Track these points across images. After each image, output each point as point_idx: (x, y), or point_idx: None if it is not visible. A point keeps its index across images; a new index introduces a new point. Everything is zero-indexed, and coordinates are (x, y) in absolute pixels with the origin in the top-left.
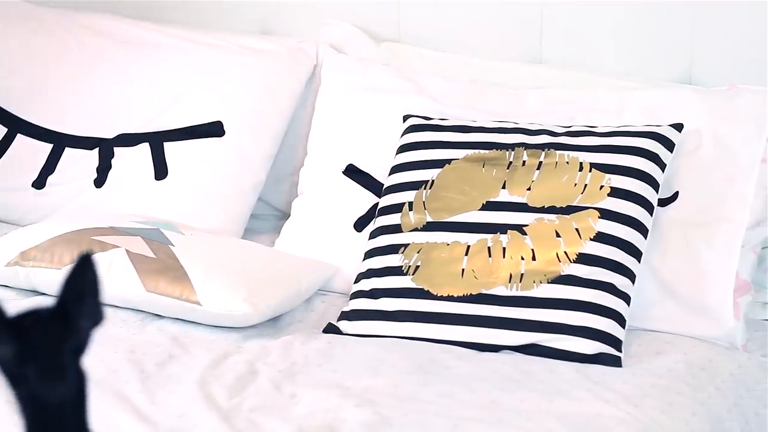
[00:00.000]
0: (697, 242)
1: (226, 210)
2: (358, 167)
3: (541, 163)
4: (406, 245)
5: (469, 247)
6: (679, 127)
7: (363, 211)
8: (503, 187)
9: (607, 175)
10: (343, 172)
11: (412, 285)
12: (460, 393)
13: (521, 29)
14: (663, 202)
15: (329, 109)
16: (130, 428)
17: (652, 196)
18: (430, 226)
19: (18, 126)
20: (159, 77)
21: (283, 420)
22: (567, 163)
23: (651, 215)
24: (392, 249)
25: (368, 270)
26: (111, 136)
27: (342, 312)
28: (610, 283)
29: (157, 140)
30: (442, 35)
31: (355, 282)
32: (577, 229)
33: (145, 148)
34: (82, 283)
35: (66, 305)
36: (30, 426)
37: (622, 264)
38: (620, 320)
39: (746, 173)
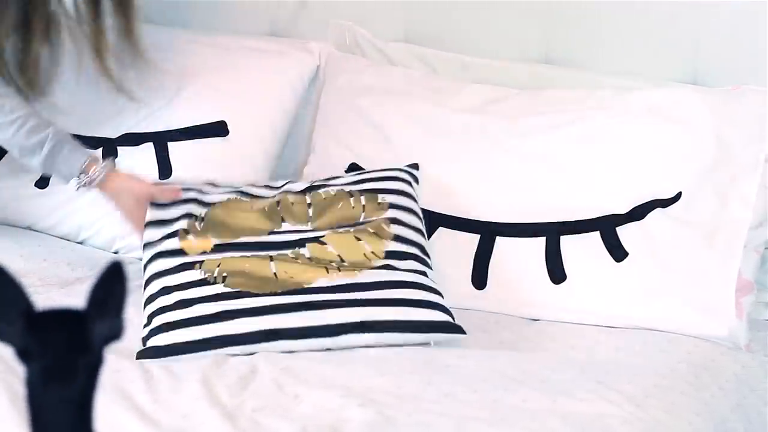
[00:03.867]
0: (699, 242)
1: None
2: (362, 167)
3: (309, 203)
4: (200, 262)
5: (271, 257)
6: (415, 166)
7: None
8: (283, 221)
9: (379, 195)
10: (345, 171)
11: (229, 289)
12: (463, 393)
13: (526, 30)
14: (666, 203)
15: (333, 109)
16: (134, 428)
17: (419, 212)
18: (220, 248)
19: None
20: (162, 77)
21: (286, 420)
22: (334, 194)
23: (423, 224)
24: (184, 267)
25: (162, 288)
26: (115, 136)
27: (150, 330)
28: (422, 271)
29: (161, 140)
30: (447, 36)
31: (146, 305)
32: (375, 233)
33: (149, 147)
34: (106, 293)
35: (87, 314)
36: (32, 414)
37: (423, 259)
38: (441, 295)
39: (749, 173)
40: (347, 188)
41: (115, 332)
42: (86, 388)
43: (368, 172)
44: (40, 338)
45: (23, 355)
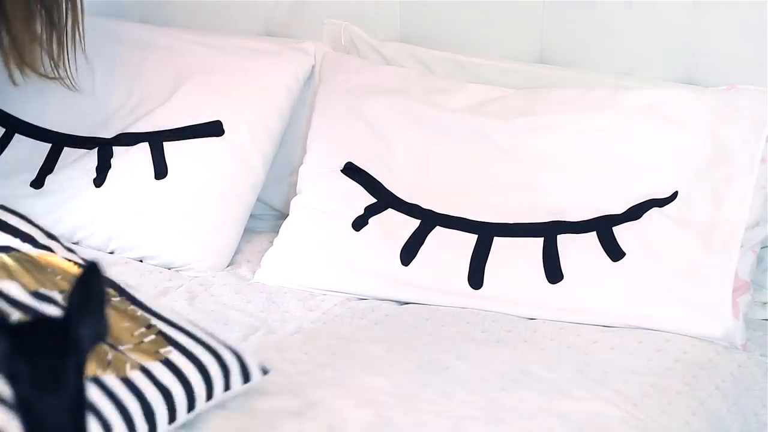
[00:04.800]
0: (696, 242)
1: (226, 210)
2: (358, 166)
3: None
4: None
5: None
6: None
7: (361, 211)
8: None
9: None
10: (341, 170)
11: None
12: (461, 393)
13: (521, 28)
14: (662, 202)
15: (328, 108)
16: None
17: None
18: None
19: (16, 126)
20: (157, 77)
21: (283, 420)
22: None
23: None
24: None
25: None
26: (110, 136)
27: None
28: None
29: (156, 140)
30: (442, 35)
31: None
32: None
33: (144, 147)
34: (87, 294)
35: (69, 317)
36: (26, 427)
37: None
38: None
39: (745, 173)
40: None
41: (101, 333)
42: (78, 394)
43: None
44: (23, 347)
45: (9, 365)
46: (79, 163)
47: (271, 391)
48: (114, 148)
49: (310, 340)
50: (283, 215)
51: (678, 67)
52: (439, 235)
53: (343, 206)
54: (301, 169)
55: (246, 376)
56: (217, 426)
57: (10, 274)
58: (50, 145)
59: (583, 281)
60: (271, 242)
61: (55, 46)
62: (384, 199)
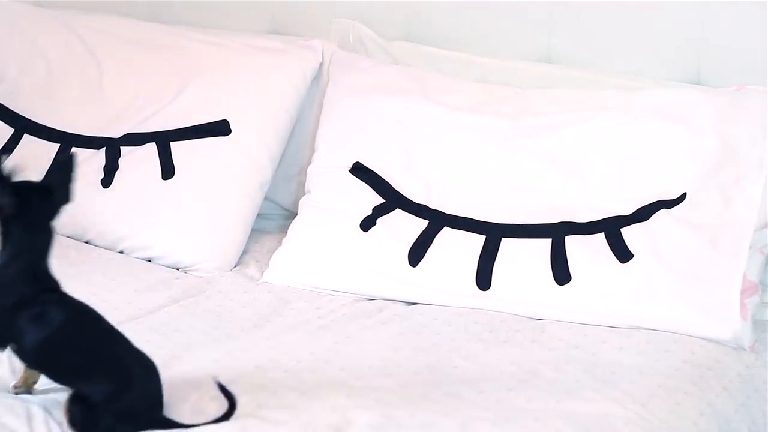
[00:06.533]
0: (704, 243)
1: (233, 209)
2: (366, 166)
3: None
4: None
5: None
6: None
7: (369, 211)
8: None
9: None
10: (349, 170)
11: None
12: (468, 393)
13: (530, 29)
14: (670, 204)
15: (337, 107)
16: None
17: None
18: None
19: (25, 126)
20: (164, 76)
21: (291, 418)
22: None
23: None
24: None
25: None
26: (117, 136)
27: None
28: None
29: (163, 139)
30: (451, 34)
31: None
32: None
33: (151, 147)
34: (63, 173)
35: (50, 185)
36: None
37: None
38: None
39: (754, 174)
40: None
41: (69, 198)
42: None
43: None
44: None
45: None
46: (87, 164)
47: (278, 390)
48: (121, 148)
49: (318, 339)
50: (292, 214)
51: (686, 67)
52: (447, 235)
53: (352, 206)
54: (309, 169)
55: None
56: (219, 426)
57: None
58: (58, 145)
59: (591, 282)
60: (280, 242)
61: None
62: (392, 200)
